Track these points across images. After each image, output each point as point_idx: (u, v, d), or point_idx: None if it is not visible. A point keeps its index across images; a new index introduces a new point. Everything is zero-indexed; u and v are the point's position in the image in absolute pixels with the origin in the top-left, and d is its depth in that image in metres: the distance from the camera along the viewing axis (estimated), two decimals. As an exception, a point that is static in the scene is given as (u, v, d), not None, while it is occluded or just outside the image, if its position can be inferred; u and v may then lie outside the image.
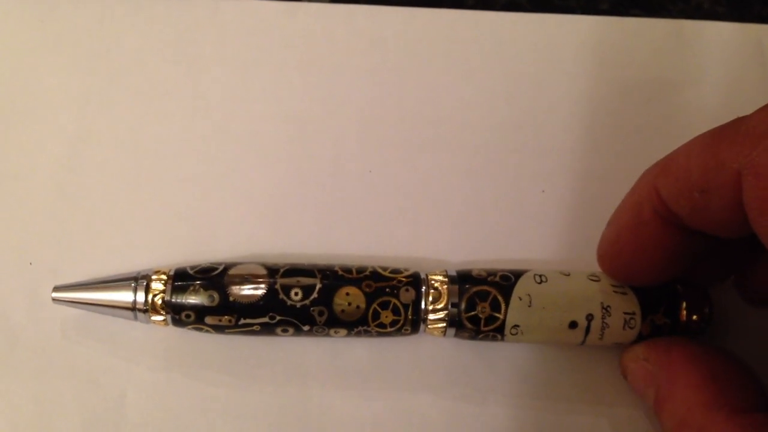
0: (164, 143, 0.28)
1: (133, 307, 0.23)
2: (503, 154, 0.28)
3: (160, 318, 0.23)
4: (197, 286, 0.23)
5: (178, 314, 0.23)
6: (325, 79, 0.29)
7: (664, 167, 0.20)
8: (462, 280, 0.24)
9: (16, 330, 0.25)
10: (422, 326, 0.24)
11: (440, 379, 0.25)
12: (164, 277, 0.23)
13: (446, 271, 0.24)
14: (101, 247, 0.26)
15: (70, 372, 0.25)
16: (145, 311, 0.23)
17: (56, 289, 0.24)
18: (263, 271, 0.23)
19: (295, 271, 0.23)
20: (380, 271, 0.24)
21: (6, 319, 0.25)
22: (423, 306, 0.23)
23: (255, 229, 0.27)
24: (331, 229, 0.27)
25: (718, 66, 0.29)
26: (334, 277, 0.23)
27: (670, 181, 0.20)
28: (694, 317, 0.23)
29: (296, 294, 0.23)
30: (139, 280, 0.23)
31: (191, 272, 0.23)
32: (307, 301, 0.23)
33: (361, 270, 0.24)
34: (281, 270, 0.23)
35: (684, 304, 0.23)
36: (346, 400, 0.25)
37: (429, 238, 0.27)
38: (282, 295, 0.23)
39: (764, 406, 0.20)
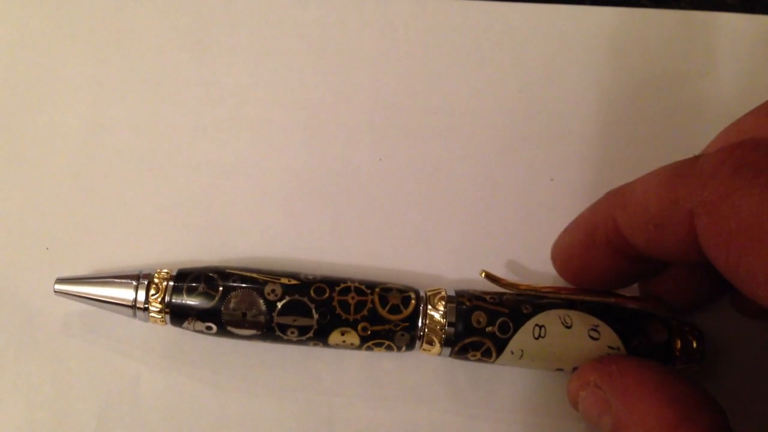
0: (178, 131, 0.28)
1: (133, 305, 0.24)
2: (512, 143, 0.28)
3: (159, 317, 0.24)
4: (194, 318, 0.23)
5: (177, 324, 0.24)
6: (336, 68, 0.29)
7: (621, 199, 0.21)
8: (459, 303, 0.24)
9: (34, 313, 0.26)
10: (417, 344, 0.24)
11: (442, 392, 0.26)
12: (161, 296, 0.23)
13: (446, 302, 0.24)
14: (116, 232, 0.27)
15: (86, 354, 0.26)
16: (144, 309, 0.24)
17: (59, 281, 0.24)
18: (261, 307, 0.23)
19: (292, 306, 0.23)
20: (380, 309, 0.24)
21: (24, 303, 0.26)
22: (418, 341, 0.24)
23: (266, 215, 0.27)
24: (343, 216, 0.27)
25: (728, 57, 0.29)
26: (331, 317, 0.23)
27: (627, 213, 0.20)
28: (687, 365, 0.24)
29: (292, 332, 0.23)
30: (141, 279, 0.24)
31: (188, 299, 0.23)
32: (302, 338, 0.24)
33: (359, 306, 0.23)
34: (278, 306, 0.23)
35: (678, 345, 0.24)
36: (352, 409, 0.26)
37: (439, 225, 0.27)
38: (278, 332, 0.23)
39: (727, 428, 0.20)
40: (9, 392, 0.25)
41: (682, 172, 0.19)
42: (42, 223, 0.27)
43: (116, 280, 0.24)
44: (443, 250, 0.27)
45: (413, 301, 0.24)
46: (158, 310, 0.23)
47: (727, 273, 0.18)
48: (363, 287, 0.24)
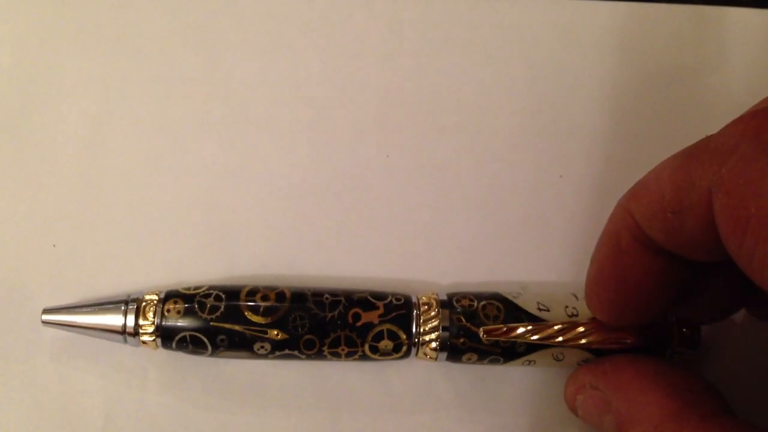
0: (183, 128, 0.28)
1: (123, 331, 0.24)
2: (521, 140, 0.28)
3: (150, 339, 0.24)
4: (186, 349, 0.24)
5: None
6: (343, 65, 0.28)
7: (635, 193, 0.20)
8: (453, 344, 0.24)
9: (40, 311, 0.26)
10: (414, 351, 0.24)
11: (444, 399, 0.26)
12: (151, 326, 0.23)
13: (439, 342, 0.24)
14: (123, 228, 0.27)
15: (93, 353, 0.26)
16: (134, 335, 0.24)
17: (46, 311, 0.24)
18: (253, 359, 0.24)
19: (284, 358, 0.24)
20: (371, 356, 0.24)
21: (31, 300, 0.26)
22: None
23: (272, 212, 0.27)
24: (350, 213, 0.27)
25: (739, 51, 0.29)
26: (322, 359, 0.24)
27: (643, 204, 0.19)
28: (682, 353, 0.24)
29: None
30: (129, 303, 0.24)
31: (180, 348, 0.24)
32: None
33: (350, 355, 0.24)
34: (270, 358, 0.24)
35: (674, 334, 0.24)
36: (357, 417, 0.26)
37: (447, 222, 0.27)
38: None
39: (728, 410, 0.20)
40: (16, 390, 0.25)
41: (696, 153, 0.18)
42: (48, 220, 0.27)
43: (104, 306, 0.24)
44: (451, 248, 0.27)
45: (405, 346, 0.24)
46: (149, 333, 0.23)
47: (740, 259, 0.17)
48: (354, 336, 0.23)
